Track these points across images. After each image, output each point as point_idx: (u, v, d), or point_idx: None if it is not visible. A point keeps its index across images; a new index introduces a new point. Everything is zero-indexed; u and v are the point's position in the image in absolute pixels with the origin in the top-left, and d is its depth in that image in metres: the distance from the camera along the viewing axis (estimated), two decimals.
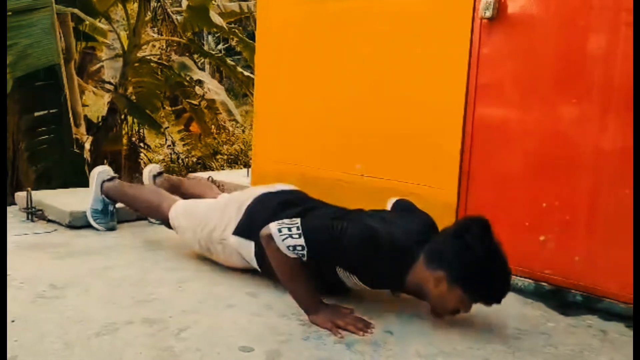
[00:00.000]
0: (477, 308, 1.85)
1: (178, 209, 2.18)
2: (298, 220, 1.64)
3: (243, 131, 10.59)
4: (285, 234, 1.60)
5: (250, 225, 1.90)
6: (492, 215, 2.13)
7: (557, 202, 1.99)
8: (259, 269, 1.92)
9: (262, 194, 2.03)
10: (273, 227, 1.62)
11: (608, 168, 1.88)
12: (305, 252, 1.59)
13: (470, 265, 1.54)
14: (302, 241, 1.59)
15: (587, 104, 1.92)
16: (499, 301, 1.60)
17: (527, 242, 2.05)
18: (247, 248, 1.91)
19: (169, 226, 2.23)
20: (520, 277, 2.07)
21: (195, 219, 2.08)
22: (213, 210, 2.06)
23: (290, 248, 1.59)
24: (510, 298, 1.98)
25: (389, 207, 1.98)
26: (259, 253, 1.84)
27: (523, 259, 2.06)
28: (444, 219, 2.22)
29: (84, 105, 7.31)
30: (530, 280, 2.05)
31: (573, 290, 1.97)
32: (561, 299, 1.97)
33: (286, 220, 1.65)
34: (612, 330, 1.75)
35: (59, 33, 4.89)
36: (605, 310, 1.88)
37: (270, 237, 1.62)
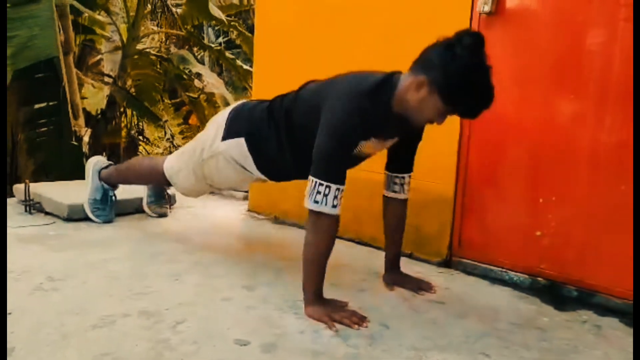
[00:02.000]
0: (472, 303, 1.86)
1: (170, 158, 2.26)
2: (313, 179, 1.60)
3: None
4: (321, 199, 1.58)
5: (234, 126, 1.96)
6: (489, 210, 2.15)
7: (554, 198, 1.99)
8: (260, 174, 1.96)
9: (240, 102, 2.08)
10: (308, 202, 1.59)
11: (605, 163, 1.89)
12: (341, 186, 1.59)
13: (454, 72, 1.50)
14: (334, 188, 1.57)
15: (584, 99, 1.92)
16: (474, 115, 1.58)
17: (523, 237, 2.06)
18: (239, 147, 1.94)
19: (167, 182, 2.27)
20: (516, 271, 2.08)
21: (186, 156, 2.15)
22: (197, 139, 2.14)
23: (337, 204, 1.58)
24: (505, 292, 2.00)
25: None
26: (251, 144, 1.90)
27: (519, 253, 2.07)
28: (442, 214, 2.23)
29: (82, 98, 7.29)
30: (525, 275, 2.06)
31: (568, 285, 1.97)
32: (556, 293, 1.98)
33: (308, 190, 1.61)
34: (606, 325, 1.76)
35: (58, 25, 4.88)
36: (600, 305, 1.89)
37: (312, 213, 1.60)
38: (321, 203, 1.58)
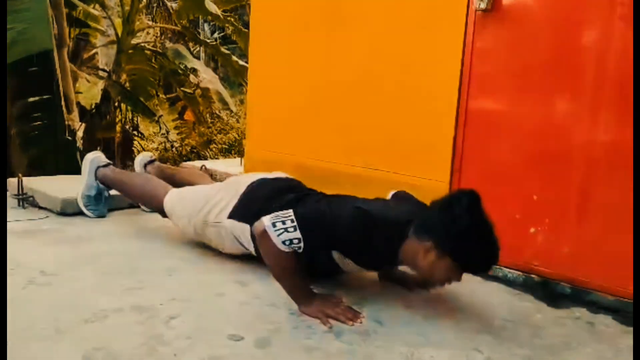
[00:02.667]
0: (466, 300, 1.86)
1: (172, 196, 2.18)
2: (291, 211, 1.63)
3: (237, 120, 10.56)
4: (280, 229, 1.59)
5: (245, 209, 1.91)
6: (484, 207, 2.15)
7: (548, 195, 2.00)
8: (255, 253, 1.93)
9: (258, 179, 2.03)
10: (267, 221, 1.61)
11: (599, 162, 1.89)
12: (301, 244, 1.59)
13: (458, 234, 1.54)
14: (297, 234, 1.58)
15: (579, 97, 1.92)
16: (486, 270, 1.62)
17: (518, 234, 2.07)
18: (243, 231, 1.91)
19: (163, 214, 2.23)
20: (510, 268, 2.08)
21: (190, 205, 2.09)
22: (208, 196, 2.07)
23: (287, 242, 1.58)
24: (499, 289, 2.00)
25: (388, 197, 1.99)
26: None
27: (513, 251, 2.08)
28: None
29: (77, 92, 7.26)
30: (519, 272, 2.06)
31: (562, 282, 1.98)
32: (550, 290, 1.99)
33: (279, 213, 1.63)
34: (599, 322, 1.77)
35: (52, 18, 4.85)
36: (593, 302, 1.90)
37: (264, 232, 1.60)
38: (277, 230, 1.58)
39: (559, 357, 1.49)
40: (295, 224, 1.59)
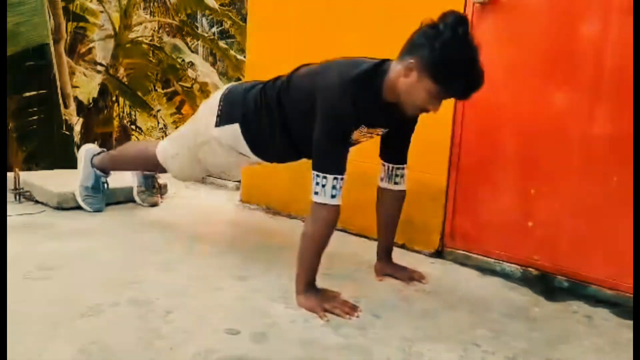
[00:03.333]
0: (463, 293, 1.86)
1: (162, 143, 2.25)
2: (313, 172, 1.61)
3: None
4: (320, 190, 1.59)
5: (227, 111, 1.94)
6: (481, 201, 2.15)
7: (546, 189, 1.99)
8: (255, 157, 1.95)
9: (227, 87, 2.06)
10: (311, 195, 1.61)
11: (597, 155, 1.89)
12: (339, 176, 1.59)
13: (440, 50, 1.48)
14: (331, 178, 1.58)
15: (577, 90, 1.91)
16: (466, 95, 1.57)
17: (515, 228, 2.06)
18: (233, 133, 1.92)
19: (162, 169, 2.26)
20: (508, 262, 2.08)
21: (179, 141, 2.16)
22: (190, 123, 2.15)
23: (335, 194, 1.59)
24: (497, 283, 2.00)
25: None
26: (245, 129, 1.89)
27: (511, 244, 2.08)
28: (435, 204, 2.23)
29: (74, 87, 7.23)
30: (517, 266, 2.06)
31: (559, 276, 1.98)
32: (547, 284, 1.98)
33: (313, 180, 1.61)
34: (597, 316, 1.76)
35: (48, 12, 4.82)
36: (591, 296, 1.90)
37: (313, 204, 1.61)
38: (320, 194, 1.59)
39: (557, 351, 1.49)
40: (324, 174, 1.58)
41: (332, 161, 1.61)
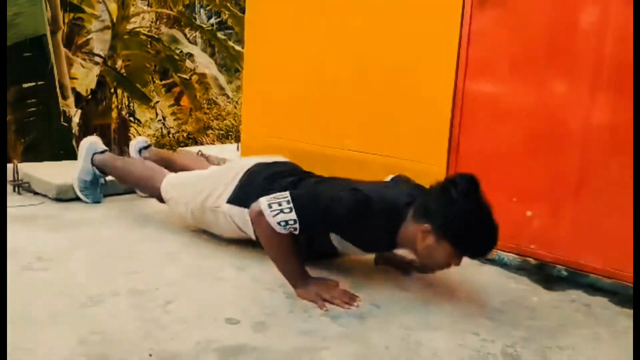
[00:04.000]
0: (462, 283, 1.87)
1: (170, 181, 2.17)
2: (287, 193, 1.63)
3: (235, 106, 10.51)
4: (276, 210, 1.58)
5: (243, 193, 1.90)
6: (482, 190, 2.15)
7: (545, 178, 1.99)
8: (254, 237, 1.92)
9: (255, 164, 2.02)
10: (263, 202, 1.61)
11: (596, 144, 1.88)
12: (297, 225, 1.58)
13: (456, 217, 1.54)
14: (293, 215, 1.58)
15: (576, 81, 1.91)
16: (484, 254, 1.62)
17: (515, 218, 2.06)
18: (241, 215, 1.89)
19: (160, 199, 2.22)
20: (507, 251, 2.08)
21: (188, 190, 2.08)
22: (205, 180, 2.06)
23: (282, 224, 1.58)
24: (496, 272, 2.01)
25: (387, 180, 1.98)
26: None
27: (510, 234, 2.07)
28: None
29: (72, 78, 7.20)
30: (516, 255, 2.06)
31: (558, 265, 1.98)
32: (546, 273, 1.99)
33: (276, 195, 1.63)
34: (595, 304, 1.77)
35: (45, 2, 4.80)
36: (589, 285, 1.90)
37: (260, 213, 1.60)
38: (272, 213, 1.58)
39: (556, 339, 1.50)
40: (291, 205, 1.58)
41: (306, 204, 1.61)
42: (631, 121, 1.80)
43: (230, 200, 1.93)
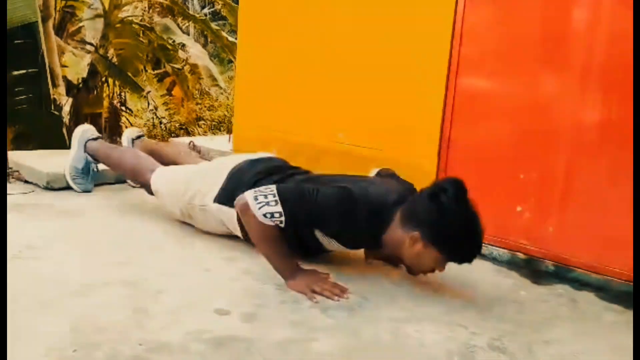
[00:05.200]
0: (451, 277, 1.88)
1: (159, 175, 2.17)
2: (274, 186, 1.64)
3: (227, 97, 10.46)
4: (262, 202, 1.60)
5: (231, 192, 1.89)
6: (470, 185, 2.15)
7: (535, 174, 2.01)
8: (242, 236, 1.93)
9: (243, 161, 2.02)
10: (249, 195, 1.62)
11: (585, 142, 1.90)
12: (283, 218, 1.60)
13: (444, 225, 1.56)
14: (279, 208, 1.59)
15: (567, 78, 1.92)
16: (470, 261, 1.63)
17: (504, 213, 2.08)
18: (229, 215, 1.90)
19: (149, 191, 2.22)
20: (496, 246, 2.10)
21: (176, 186, 2.08)
22: (194, 177, 2.06)
23: (268, 215, 1.59)
24: (485, 266, 2.03)
25: (371, 175, 1.99)
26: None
27: (499, 228, 2.09)
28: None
29: (63, 66, 7.14)
30: (505, 250, 2.08)
31: (546, 260, 2.01)
32: (534, 268, 2.01)
33: (262, 188, 1.64)
34: (582, 299, 1.79)
35: None
36: (576, 280, 1.92)
37: (246, 205, 1.61)
38: (258, 205, 1.60)
39: (542, 333, 1.52)
40: (276, 198, 1.60)
41: (293, 203, 1.62)
42: (620, 119, 1.82)
43: (218, 200, 1.93)
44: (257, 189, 1.64)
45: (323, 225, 1.70)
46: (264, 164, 2.01)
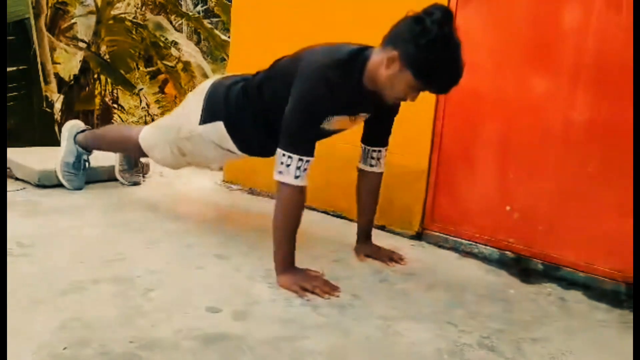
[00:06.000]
0: (441, 275, 1.90)
1: (145, 130, 2.23)
2: (278, 150, 1.62)
3: None
4: (284, 169, 1.60)
5: (211, 109, 1.93)
6: (461, 184, 2.18)
7: (524, 173, 2.03)
8: (239, 148, 1.94)
9: (212, 82, 2.04)
10: (274, 174, 1.62)
11: (575, 141, 1.92)
12: (305, 157, 1.60)
13: (425, 46, 1.50)
14: (296, 158, 1.59)
15: (558, 78, 1.94)
16: (446, 90, 1.60)
17: (494, 212, 2.10)
18: (217, 130, 1.92)
19: (142, 154, 2.26)
20: (486, 245, 2.12)
21: (162, 130, 2.14)
22: (176, 114, 2.13)
23: (298, 172, 1.59)
24: (475, 265, 2.04)
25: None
26: (229, 126, 1.88)
27: (489, 227, 2.11)
28: (415, 187, 2.26)
29: (55, 63, 7.10)
30: (494, 249, 2.10)
31: (535, 259, 2.02)
32: (523, 267, 2.03)
33: (275, 161, 1.63)
34: (570, 298, 1.81)
35: None
36: (564, 278, 1.94)
37: (277, 183, 1.62)
38: (284, 173, 1.60)
39: (531, 331, 1.53)
40: (289, 153, 1.59)
41: (299, 142, 1.62)
42: (609, 119, 1.85)
43: (202, 121, 1.95)
44: (275, 163, 1.63)
45: (325, 116, 1.67)
46: (233, 78, 2.02)
